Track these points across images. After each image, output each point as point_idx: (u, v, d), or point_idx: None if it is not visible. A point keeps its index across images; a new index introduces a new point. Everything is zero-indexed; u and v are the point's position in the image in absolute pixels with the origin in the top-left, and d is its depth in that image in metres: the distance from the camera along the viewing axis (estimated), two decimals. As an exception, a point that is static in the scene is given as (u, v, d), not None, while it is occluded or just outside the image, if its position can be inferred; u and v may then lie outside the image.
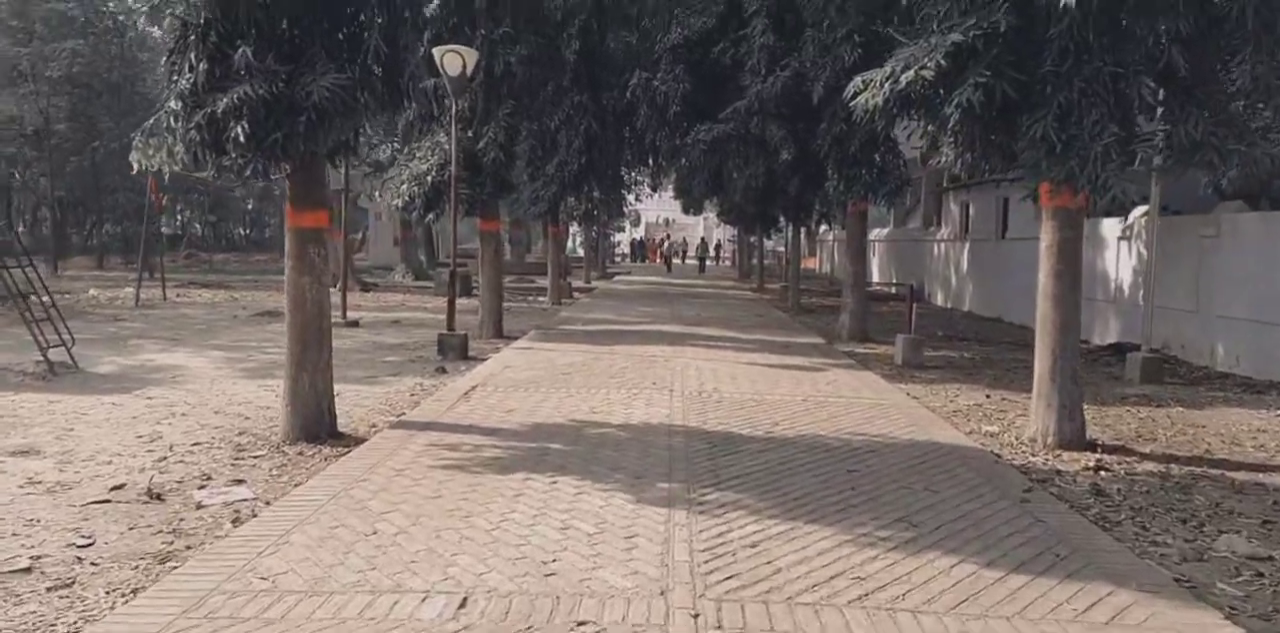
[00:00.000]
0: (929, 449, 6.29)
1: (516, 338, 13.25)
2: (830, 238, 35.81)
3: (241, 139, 5.87)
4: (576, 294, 23.23)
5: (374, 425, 7.16)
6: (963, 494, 5.17)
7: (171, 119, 6.13)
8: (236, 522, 4.71)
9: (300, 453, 6.26)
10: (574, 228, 40.33)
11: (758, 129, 13.47)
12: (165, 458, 6.13)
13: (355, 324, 14.57)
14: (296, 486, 5.37)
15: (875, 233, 30.19)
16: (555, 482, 5.15)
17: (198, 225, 60.32)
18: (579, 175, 19.58)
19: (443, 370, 10.16)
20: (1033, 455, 6.48)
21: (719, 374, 9.39)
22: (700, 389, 8.39)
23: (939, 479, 5.49)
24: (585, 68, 19.03)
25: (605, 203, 28.35)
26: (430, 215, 12.12)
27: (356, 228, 49.97)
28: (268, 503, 5.04)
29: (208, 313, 16.87)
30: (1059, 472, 6.04)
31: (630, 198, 41.17)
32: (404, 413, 7.57)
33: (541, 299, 21.45)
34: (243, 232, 64.36)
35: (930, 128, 6.88)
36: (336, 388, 9.15)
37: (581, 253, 38.42)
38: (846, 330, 13.58)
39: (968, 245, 20.28)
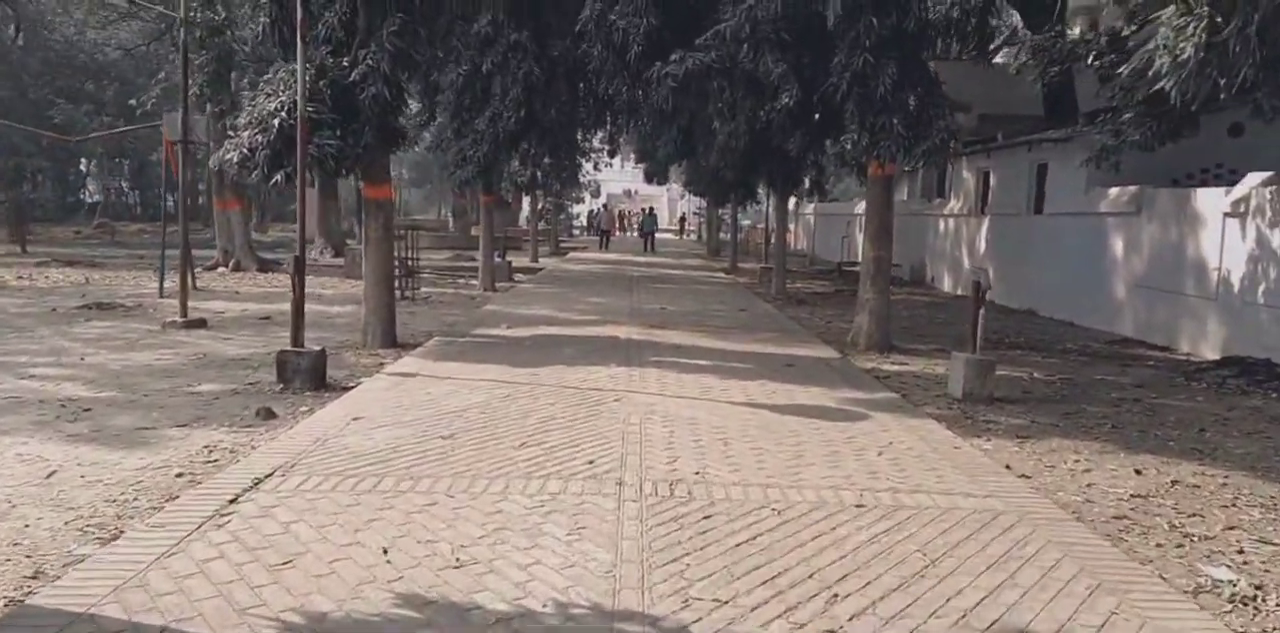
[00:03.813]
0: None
1: (416, 346, 9.57)
2: (810, 211, 32.34)
3: None
4: (517, 277, 19.50)
5: None
6: None
7: None
8: None
9: None
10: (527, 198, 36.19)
11: (749, 61, 9.78)
12: None
13: (200, 324, 10.74)
14: None
15: (861, 206, 26.76)
16: None
17: (125, 193, 55.52)
18: (517, 133, 15.82)
19: (269, 415, 6.47)
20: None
21: (701, 433, 5.80)
22: (671, 478, 4.79)
23: None
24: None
25: (555, 169, 24.60)
26: (277, 176, 8.32)
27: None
28: None
29: (25, 303, 12.91)
30: None
31: (588, 166, 37.33)
32: (92, 551, 3.92)
33: (475, 282, 17.69)
34: (171, 200, 59.24)
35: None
36: (58, 456, 5.50)
37: (540, 225, 34.27)
38: (864, 336, 10.07)
39: (987, 221, 16.87)
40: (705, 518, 4.15)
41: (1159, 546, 4.25)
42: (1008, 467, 5.46)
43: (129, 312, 12.14)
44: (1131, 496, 5.03)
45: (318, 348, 7.66)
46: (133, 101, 20.39)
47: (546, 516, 4.12)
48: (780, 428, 6.00)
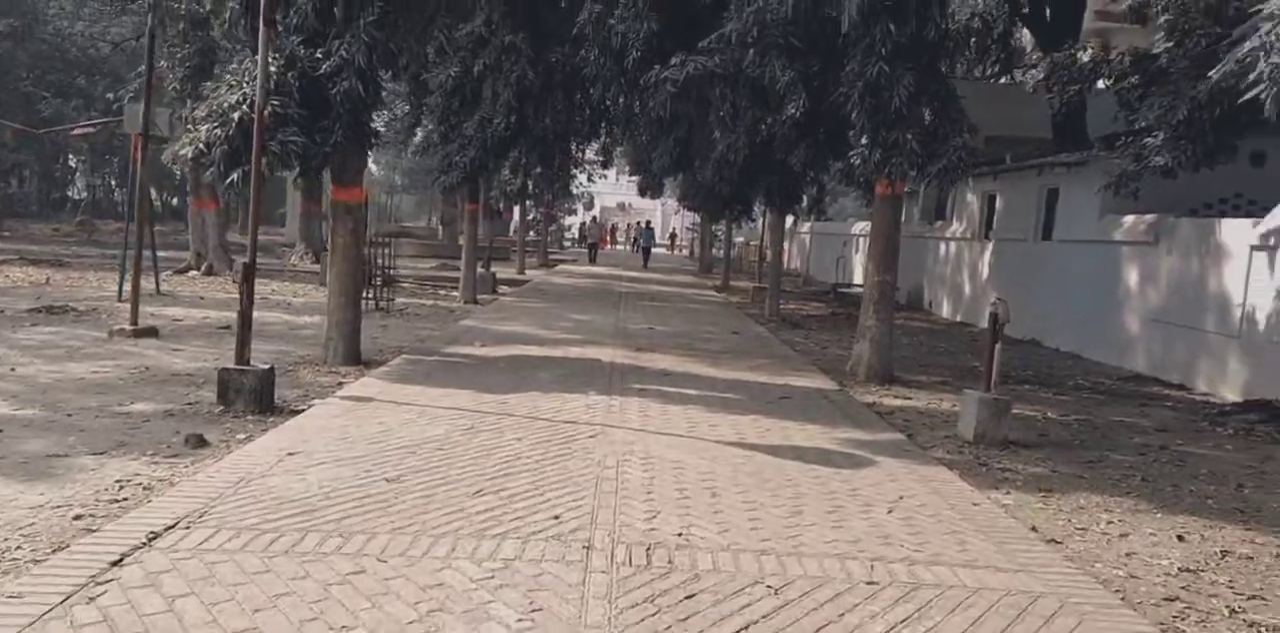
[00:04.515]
0: None
1: (381, 364, 8.86)
2: (805, 230, 31.78)
3: None
4: (501, 289, 18.78)
5: None
6: None
7: None
8: None
9: None
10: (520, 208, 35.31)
11: (754, 67, 9.13)
12: None
13: (151, 333, 9.98)
14: None
15: (859, 226, 26.20)
16: None
17: (113, 190, 54.62)
18: (507, 139, 15.16)
19: (199, 443, 5.74)
20: None
21: (686, 480, 5.09)
22: (650, 540, 4.08)
23: None
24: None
25: (547, 179, 23.96)
26: (234, 175, 7.61)
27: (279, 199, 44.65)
28: None
29: (-28, 304, 12.11)
30: None
31: (582, 177, 36.66)
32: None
33: (456, 294, 16.96)
34: (159, 199, 58.13)
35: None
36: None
37: (530, 236, 33.32)
38: (864, 366, 9.39)
39: (990, 246, 16.26)
40: (688, 598, 3.44)
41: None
42: (1034, 529, 4.77)
43: (80, 316, 11.37)
44: (1180, 570, 4.35)
45: (265, 366, 6.91)
46: (110, 95, 19.66)
47: (496, 591, 3.40)
48: (775, 475, 5.29)
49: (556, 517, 4.27)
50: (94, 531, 4.09)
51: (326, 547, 3.74)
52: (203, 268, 18.71)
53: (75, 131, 21.03)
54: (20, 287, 14.73)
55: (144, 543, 3.72)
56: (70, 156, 49.08)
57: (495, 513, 4.31)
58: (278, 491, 4.48)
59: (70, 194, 56.23)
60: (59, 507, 4.51)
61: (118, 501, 4.62)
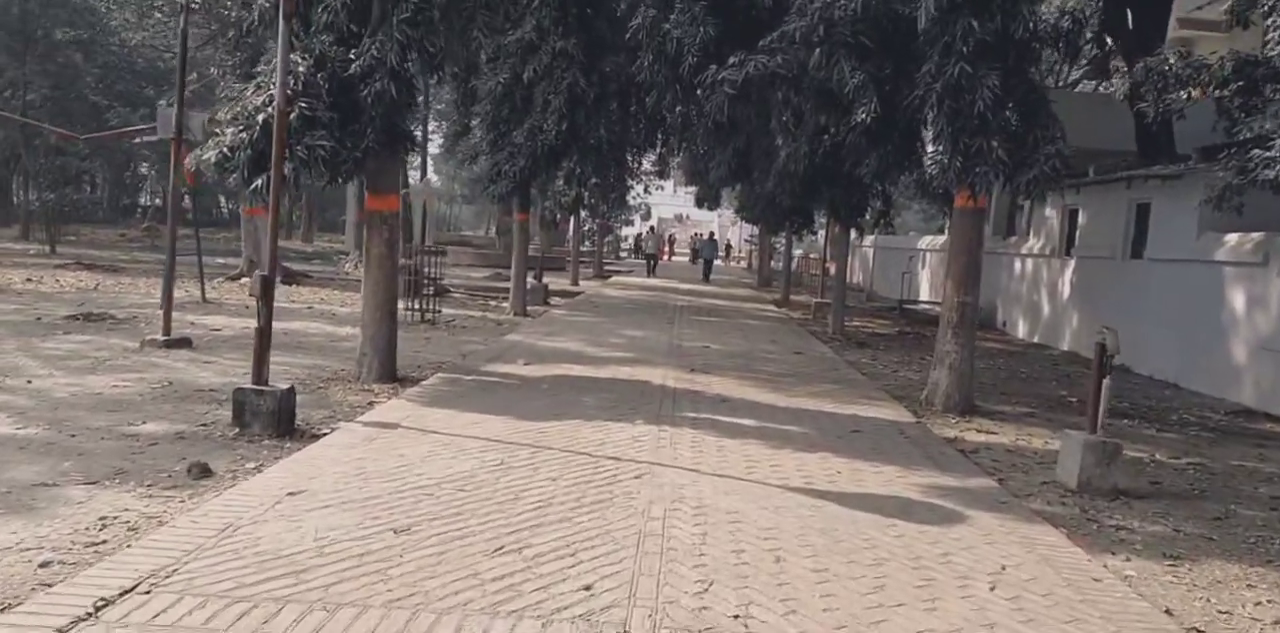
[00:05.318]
0: None
1: (417, 382, 8.27)
2: (868, 244, 30.69)
3: None
4: (553, 301, 18.19)
5: None
6: None
7: None
8: None
9: None
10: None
11: (820, 69, 8.37)
12: None
13: (183, 344, 9.55)
14: None
15: (926, 241, 25.11)
16: None
17: (183, 197, 55.50)
18: (558, 148, 14.59)
19: (203, 473, 5.18)
20: None
21: (744, 540, 4.32)
22: (700, 623, 3.31)
23: None
24: (573, 4, 14.13)
25: (602, 189, 23.38)
26: (258, 180, 7.09)
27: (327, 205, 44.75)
28: None
29: (16, 309, 11.89)
30: None
31: (639, 188, 36.02)
32: None
33: (506, 306, 16.39)
34: (225, 206, 59.08)
35: None
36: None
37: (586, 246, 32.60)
38: (941, 396, 8.51)
39: (1073, 264, 15.15)
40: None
41: None
42: (1169, 613, 3.91)
43: (116, 324, 11.03)
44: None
45: (284, 386, 6.34)
46: (162, 102, 19.65)
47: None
48: (850, 534, 4.49)
49: (588, 587, 3.55)
50: (50, 586, 3.51)
51: (304, 627, 3.07)
52: (251, 276, 18.48)
53: (135, 139, 21.09)
54: (66, 292, 14.58)
55: (89, 614, 3.09)
56: (141, 164, 50.24)
57: (515, 579, 3.60)
58: (265, 542, 3.84)
59: (141, 200, 57.62)
60: (28, 549, 3.96)
61: (95, 544, 4.06)
